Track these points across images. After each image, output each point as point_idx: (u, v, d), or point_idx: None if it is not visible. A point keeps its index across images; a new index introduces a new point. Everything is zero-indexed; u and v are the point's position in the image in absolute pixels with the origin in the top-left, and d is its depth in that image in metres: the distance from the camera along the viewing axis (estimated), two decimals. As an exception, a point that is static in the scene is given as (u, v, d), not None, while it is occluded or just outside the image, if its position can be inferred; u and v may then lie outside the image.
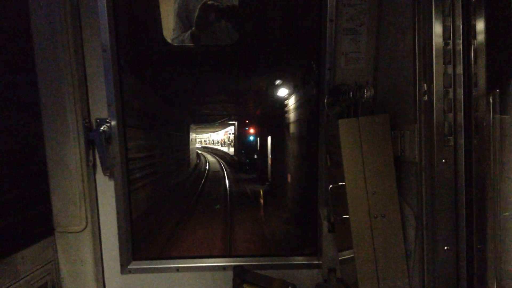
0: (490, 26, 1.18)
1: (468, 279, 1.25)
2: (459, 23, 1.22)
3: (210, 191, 8.88)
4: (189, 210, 6.49)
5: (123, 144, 1.86)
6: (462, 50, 1.22)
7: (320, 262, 1.94)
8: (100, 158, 1.76)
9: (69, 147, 1.67)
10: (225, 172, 12.32)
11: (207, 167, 14.53)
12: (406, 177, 1.44)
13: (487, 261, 1.25)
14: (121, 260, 1.89)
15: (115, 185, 1.83)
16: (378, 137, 1.44)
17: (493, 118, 1.23)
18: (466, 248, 1.25)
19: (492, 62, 1.19)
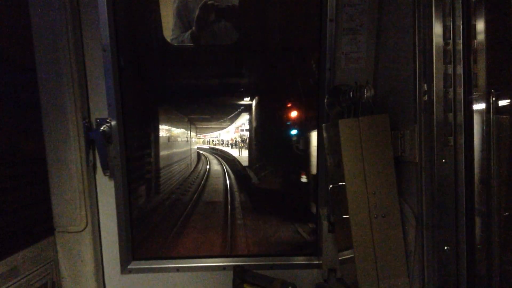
0: (490, 26, 1.18)
1: (468, 279, 1.25)
2: (459, 23, 1.22)
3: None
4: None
5: (123, 144, 1.86)
6: (462, 50, 1.22)
7: (320, 262, 1.94)
8: (100, 158, 1.76)
9: (69, 147, 1.67)
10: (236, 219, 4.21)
11: (198, 191, 6.01)
12: (406, 177, 1.44)
13: (487, 261, 1.25)
14: (121, 260, 1.89)
15: (115, 185, 1.83)
16: (378, 137, 1.44)
17: (493, 118, 1.23)
18: (466, 248, 1.25)
19: (492, 62, 1.19)
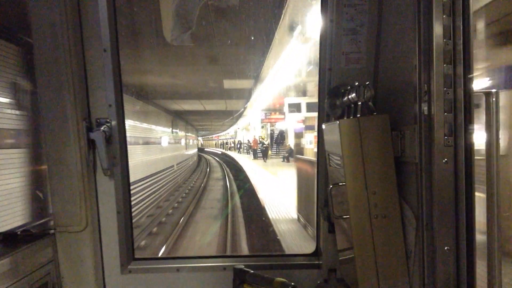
0: (491, 25, 1.18)
1: (468, 279, 1.25)
2: (459, 23, 1.22)
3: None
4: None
5: (123, 144, 1.86)
6: (463, 50, 1.22)
7: (320, 262, 1.94)
8: (100, 158, 1.75)
9: (69, 147, 1.67)
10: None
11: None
12: (406, 177, 1.44)
13: (487, 261, 1.25)
14: (121, 260, 1.89)
15: (115, 185, 1.83)
16: (378, 137, 1.44)
17: (493, 118, 1.23)
18: (466, 248, 1.25)
19: (492, 62, 1.19)
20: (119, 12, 1.79)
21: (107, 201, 1.84)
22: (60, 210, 1.71)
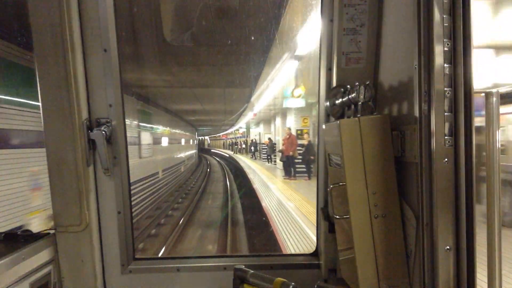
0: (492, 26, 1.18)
1: (468, 279, 1.25)
2: (459, 23, 1.22)
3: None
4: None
5: (123, 144, 1.86)
6: (463, 50, 1.22)
7: (320, 262, 1.94)
8: (101, 158, 1.76)
9: (69, 147, 1.67)
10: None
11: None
12: (406, 177, 1.44)
13: (488, 261, 1.25)
14: (121, 260, 1.89)
15: (115, 185, 1.83)
16: (378, 137, 1.44)
17: (493, 117, 1.23)
18: (466, 248, 1.25)
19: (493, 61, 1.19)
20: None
21: (107, 201, 1.84)
22: (60, 210, 1.71)
